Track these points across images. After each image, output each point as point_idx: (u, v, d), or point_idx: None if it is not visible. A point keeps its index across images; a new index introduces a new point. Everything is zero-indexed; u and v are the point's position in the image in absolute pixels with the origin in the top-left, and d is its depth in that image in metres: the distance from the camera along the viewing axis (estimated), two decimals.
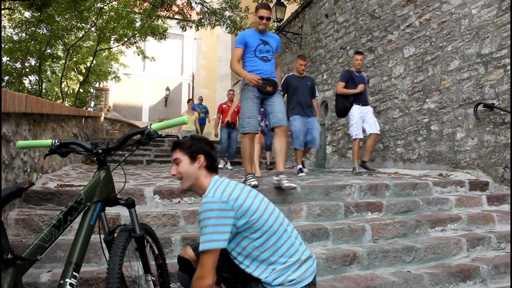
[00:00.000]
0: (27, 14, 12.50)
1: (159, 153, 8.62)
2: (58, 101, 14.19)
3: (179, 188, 3.11)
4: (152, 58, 16.09)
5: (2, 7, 9.41)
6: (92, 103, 19.02)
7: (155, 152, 8.68)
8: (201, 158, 1.82)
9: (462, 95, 4.85)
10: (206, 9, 12.08)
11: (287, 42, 9.91)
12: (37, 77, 14.59)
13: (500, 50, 4.36)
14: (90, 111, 10.65)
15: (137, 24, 13.33)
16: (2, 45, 12.21)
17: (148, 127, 1.67)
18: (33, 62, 14.22)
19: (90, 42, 15.21)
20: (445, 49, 5.10)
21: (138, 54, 15.62)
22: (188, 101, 9.93)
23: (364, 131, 5.49)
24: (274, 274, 1.73)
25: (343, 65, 7.47)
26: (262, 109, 4.06)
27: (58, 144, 1.72)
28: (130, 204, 1.79)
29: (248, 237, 1.73)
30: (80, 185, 3.32)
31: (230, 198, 1.70)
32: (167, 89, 25.45)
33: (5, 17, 12.63)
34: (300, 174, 5.31)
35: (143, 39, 14.30)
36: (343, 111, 5.59)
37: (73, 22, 12.51)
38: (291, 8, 11.43)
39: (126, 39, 13.98)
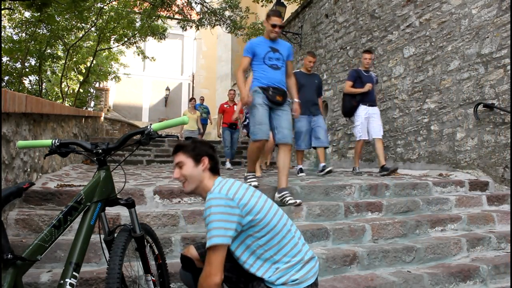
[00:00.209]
0: (27, 14, 12.50)
1: (159, 153, 8.61)
2: (58, 101, 14.19)
3: (179, 188, 3.11)
4: (152, 58, 16.09)
5: (2, 7, 9.41)
6: (92, 103, 19.03)
7: (155, 152, 8.67)
8: (205, 160, 1.83)
9: (462, 95, 4.85)
10: (206, 9, 12.08)
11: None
12: (37, 77, 14.58)
13: (500, 50, 4.36)
14: (90, 111, 10.65)
15: (137, 24, 13.33)
16: (2, 45, 12.21)
17: (148, 127, 1.67)
18: (33, 62, 14.22)
19: (90, 42, 15.21)
20: (445, 49, 5.10)
21: (138, 54, 15.63)
22: (190, 100, 9.83)
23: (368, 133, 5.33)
24: (277, 273, 1.74)
25: (343, 65, 7.47)
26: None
27: (58, 144, 1.72)
28: (130, 204, 1.79)
29: (253, 236, 1.74)
30: (80, 185, 3.32)
31: (235, 196, 1.71)
32: (167, 89, 25.46)
33: (5, 17, 12.63)
34: (300, 174, 5.31)
35: (143, 39, 14.30)
36: (349, 111, 5.45)
37: (73, 22, 12.52)
38: (291, 8, 11.43)
39: (126, 39, 13.98)
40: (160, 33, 13.43)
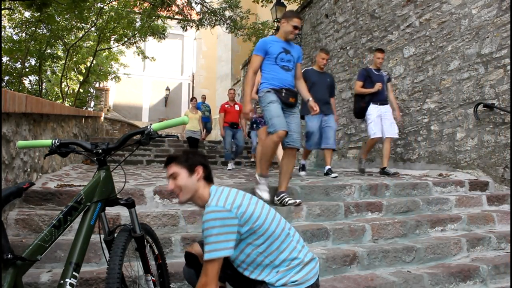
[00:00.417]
0: (27, 14, 12.50)
1: (159, 153, 8.62)
2: (58, 101, 14.19)
3: None
4: (152, 58, 16.09)
5: (2, 7, 9.41)
6: (92, 103, 19.04)
7: (155, 152, 8.67)
8: (200, 169, 1.83)
9: (462, 95, 4.85)
10: (206, 9, 12.08)
11: None
12: (37, 77, 14.59)
13: (500, 50, 4.36)
14: (90, 111, 10.65)
15: (137, 24, 13.33)
16: (2, 45, 12.21)
17: (148, 127, 1.67)
18: (33, 62, 14.24)
19: (90, 42, 15.22)
20: (445, 49, 5.10)
21: (138, 54, 15.63)
22: (191, 100, 9.73)
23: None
24: (277, 275, 1.77)
25: (343, 65, 7.47)
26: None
27: (58, 144, 1.72)
28: (130, 204, 1.79)
29: (252, 244, 1.76)
30: (80, 185, 3.32)
31: (233, 206, 1.72)
32: (167, 89, 25.48)
33: (5, 17, 12.63)
34: (301, 173, 5.30)
35: (143, 39, 14.30)
36: (359, 112, 5.32)
37: (73, 22, 12.52)
38: (291, 8, 11.43)
39: (126, 39, 13.99)
40: (160, 33, 13.42)
